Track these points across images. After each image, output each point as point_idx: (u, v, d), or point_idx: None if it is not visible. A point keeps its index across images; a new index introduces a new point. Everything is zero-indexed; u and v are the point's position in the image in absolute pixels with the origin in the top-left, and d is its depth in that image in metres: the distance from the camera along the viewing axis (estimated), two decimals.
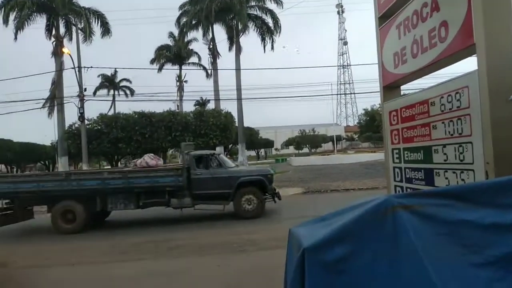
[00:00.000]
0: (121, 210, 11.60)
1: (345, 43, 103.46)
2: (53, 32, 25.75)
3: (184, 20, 32.70)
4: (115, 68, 44.76)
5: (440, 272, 1.61)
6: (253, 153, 58.91)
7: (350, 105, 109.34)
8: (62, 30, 26.19)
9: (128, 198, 10.97)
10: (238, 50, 31.85)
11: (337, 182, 18.77)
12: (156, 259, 7.24)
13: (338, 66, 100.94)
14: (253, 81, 56.67)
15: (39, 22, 25.61)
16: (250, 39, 37.32)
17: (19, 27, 24.21)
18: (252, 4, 31.45)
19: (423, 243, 1.67)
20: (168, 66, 39.91)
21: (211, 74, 34.96)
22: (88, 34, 25.46)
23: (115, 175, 11.11)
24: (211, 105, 39.69)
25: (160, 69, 38.54)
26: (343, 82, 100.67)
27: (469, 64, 2.64)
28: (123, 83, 48.39)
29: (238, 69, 31.27)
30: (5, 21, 23.94)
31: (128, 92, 48.39)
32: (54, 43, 25.64)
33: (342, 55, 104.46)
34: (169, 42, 39.04)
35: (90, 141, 22.09)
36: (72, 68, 22.47)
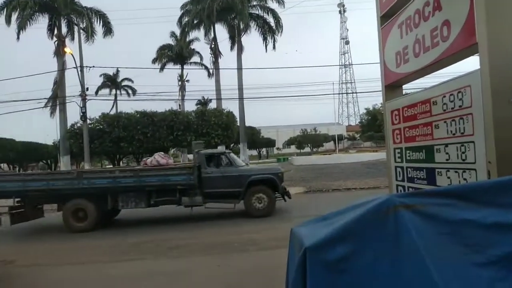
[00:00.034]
0: (122, 210, 11.62)
1: (347, 42, 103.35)
2: (55, 32, 25.79)
3: (186, 19, 32.77)
4: (117, 68, 44.97)
5: (442, 272, 1.61)
6: (254, 152, 58.91)
7: (351, 104, 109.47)
8: (64, 30, 26.25)
9: (139, 196, 10.99)
10: (240, 50, 31.88)
11: (338, 182, 18.76)
12: (156, 259, 7.25)
13: (339, 65, 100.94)
14: (254, 81, 56.91)
15: (41, 22, 25.71)
16: (251, 38, 37.39)
17: (21, 27, 24.27)
18: (254, 3, 31.46)
19: (425, 243, 1.67)
20: (170, 65, 40.01)
21: (212, 73, 35.03)
22: (90, 33, 25.53)
23: (127, 173, 11.14)
24: (213, 105, 39.76)
25: (162, 68, 38.63)
26: (344, 82, 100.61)
27: (471, 63, 2.63)
28: (125, 83, 48.53)
29: (239, 69, 31.29)
30: (8, 21, 24.00)
31: (130, 91, 48.53)
32: (56, 42, 25.70)
33: (343, 54, 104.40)
34: (171, 41, 39.14)
35: (92, 140, 22.13)
36: (74, 67, 22.53)
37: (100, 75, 45.11)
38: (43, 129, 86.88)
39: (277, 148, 71.83)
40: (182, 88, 42.01)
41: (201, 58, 39.94)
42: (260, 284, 5.34)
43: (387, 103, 3.80)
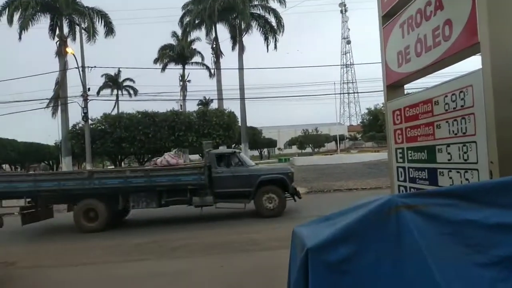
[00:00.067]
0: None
1: (348, 42, 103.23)
2: (57, 32, 25.87)
3: (187, 19, 32.80)
4: (119, 68, 45.03)
5: (444, 272, 1.61)
6: (256, 152, 58.90)
7: (353, 104, 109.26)
8: (65, 30, 26.35)
9: (150, 196, 11.03)
10: (241, 50, 31.91)
11: (340, 182, 18.76)
12: (158, 260, 7.26)
13: (341, 65, 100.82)
14: (256, 81, 56.80)
15: (43, 22, 25.81)
16: (253, 38, 37.42)
17: (23, 27, 24.34)
18: (255, 3, 31.48)
19: (427, 243, 1.67)
20: (172, 65, 40.14)
21: (214, 73, 35.04)
22: (91, 34, 25.59)
23: (138, 173, 11.18)
24: (214, 105, 39.80)
25: (163, 68, 38.73)
26: (346, 82, 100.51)
27: (473, 63, 2.62)
28: (127, 83, 48.66)
29: (241, 69, 31.30)
30: (10, 21, 24.07)
31: (131, 91, 48.64)
32: (57, 43, 25.77)
33: (345, 54, 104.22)
34: (172, 41, 39.20)
35: (93, 141, 22.17)
36: (76, 68, 22.59)
37: (102, 75, 45.30)
38: (44, 130, 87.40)
39: (279, 149, 71.80)
40: (184, 88, 42.07)
41: (203, 58, 40.05)
42: (262, 284, 5.34)
43: (388, 103, 3.79)
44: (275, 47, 31.69)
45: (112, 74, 45.89)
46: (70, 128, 24.70)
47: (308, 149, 62.24)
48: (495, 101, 2.29)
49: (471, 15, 2.48)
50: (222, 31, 33.04)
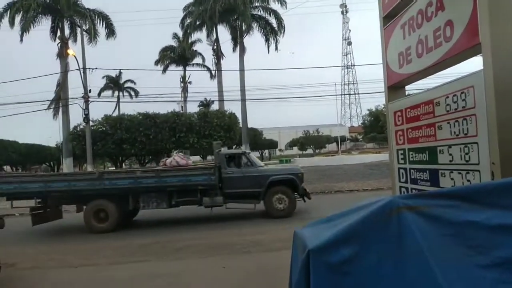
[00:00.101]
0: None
1: (349, 43, 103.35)
2: (58, 33, 25.93)
3: (188, 21, 32.85)
4: (120, 69, 45.14)
5: (446, 273, 1.60)
6: (257, 154, 58.87)
7: (354, 105, 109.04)
8: (67, 31, 26.42)
9: (161, 197, 11.03)
10: (242, 51, 31.95)
11: (341, 183, 18.73)
12: (162, 260, 7.24)
13: (342, 66, 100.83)
14: (257, 82, 56.80)
15: (44, 24, 25.86)
16: (254, 39, 37.49)
17: (24, 29, 24.42)
18: (256, 4, 31.52)
19: (428, 244, 1.66)
20: (173, 67, 40.17)
21: (215, 75, 35.08)
22: (93, 35, 25.65)
23: (148, 174, 11.19)
24: (215, 106, 39.85)
25: (164, 70, 38.75)
26: (347, 83, 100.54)
27: (475, 64, 2.62)
28: (128, 84, 48.74)
29: (242, 70, 31.32)
30: (11, 23, 24.14)
31: (132, 93, 48.71)
32: (59, 44, 25.82)
33: (346, 55, 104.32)
34: (173, 43, 39.26)
35: (94, 142, 22.20)
36: (77, 69, 22.63)
37: (103, 77, 45.42)
38: (46, 131, 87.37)
39: (280, 150, 71.76)
40: (185, 90, 42.10)
41: (204, 59, 40.10)
42: (264, 285, 5.33)
43: (389, 104, 3.79)
44: (276, 49, 31.79)
45: (113, 75, 46.02)
46: (71, 130, 24.75)
47: (309, 150, 62.23)
48: (496, 102, 2.28)
49: (472, 15, 2.48)
50: (223, 33, 33.07)
